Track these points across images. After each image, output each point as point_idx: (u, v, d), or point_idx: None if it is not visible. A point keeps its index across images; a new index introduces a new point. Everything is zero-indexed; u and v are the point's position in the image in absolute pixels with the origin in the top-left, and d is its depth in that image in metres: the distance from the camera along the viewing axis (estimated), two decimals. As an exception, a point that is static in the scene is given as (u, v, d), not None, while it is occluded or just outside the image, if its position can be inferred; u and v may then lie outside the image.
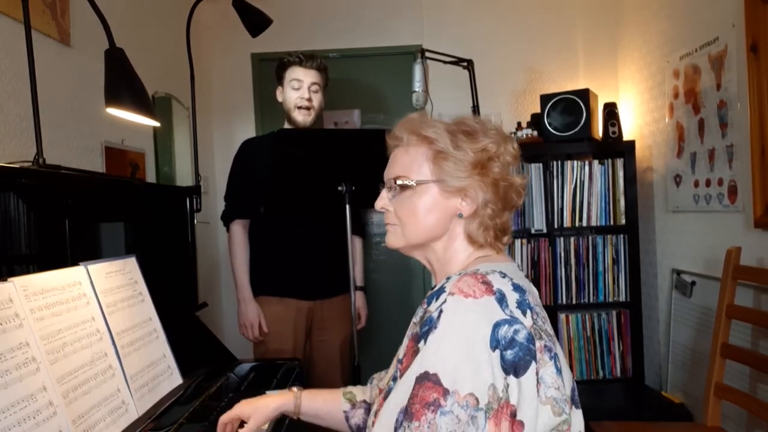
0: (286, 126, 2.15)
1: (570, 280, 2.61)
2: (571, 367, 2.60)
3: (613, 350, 2.61)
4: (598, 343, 2.62)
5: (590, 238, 2.62)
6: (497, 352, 0.80)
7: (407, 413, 0.80)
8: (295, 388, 1.17)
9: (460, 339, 0.80)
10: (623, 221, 2.58)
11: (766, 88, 1.82)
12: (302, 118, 2.08)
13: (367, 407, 1.16)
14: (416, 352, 0.85)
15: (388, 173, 1.01)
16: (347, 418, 1.15)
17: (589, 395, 2.45)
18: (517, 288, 0.87)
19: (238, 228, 2.14)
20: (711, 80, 2.15)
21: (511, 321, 0.82)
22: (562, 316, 2.61)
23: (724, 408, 1.86)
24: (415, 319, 0.93)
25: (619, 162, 2.59)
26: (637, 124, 2.84)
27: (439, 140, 0.94)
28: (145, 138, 2.36)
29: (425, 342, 0.83)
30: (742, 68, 1.93)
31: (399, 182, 0.97)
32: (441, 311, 0.83)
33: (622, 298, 2.59)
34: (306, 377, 2.12)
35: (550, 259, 2.63)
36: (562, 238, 2.62)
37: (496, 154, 0.95)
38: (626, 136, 2.75)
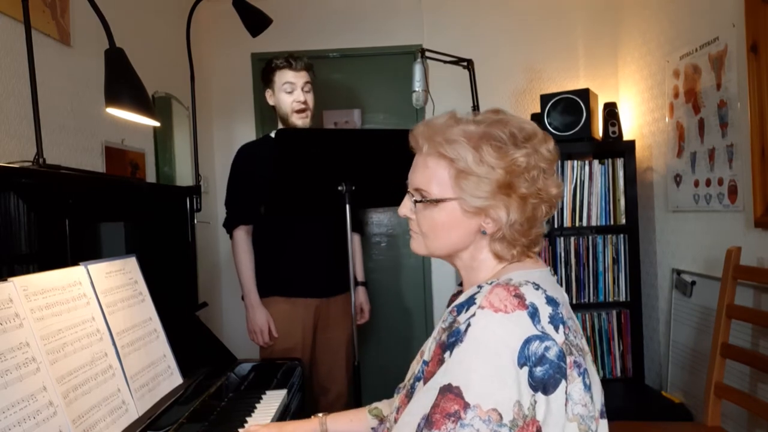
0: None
1: (570, 280, 2.61)
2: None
3: (613, 350, 2.61)
4: (598, 343, 2.61)
5: (590, 237, 2.62)
6: (525, 369, 0.78)
7: (428, 421, 0.80)
8: (320, 414, 1.17)
9: (486, 354, 0.78)
10: (623, 221, 2.58)
11: (766, 88, 1.82)
12: (301, 122, 2.10)
13: None
14: (441, 361, 0.83)
15: (411, 181, 0.96)
16: None
17: (589, 395, 2.45)
18: (550, 301, 0.83)
19: (242, 234, 2.13)
20: (711, 80, 2.15)
21: (543, 337, 0.79)
22: (562, 316, 2.61)
23: (724, 408, 1.85)
24: (443, 324, 0.89)
25: (619, 162, 2.59)
26: (637, 123, 2.84)
27: (459, 160, 0.87)
28: (145, 138, 2.36)
29: (450, 354, 0.82)
30: (742, 68, 1.93)
31: (417, 197, 0.93)
32: (469, 324, 0.81)
33: (622, 298, 2.59)
34: (308, 376, 2.12)
35: (550, 259, 2.62)
36: (562, 238, 2.62)
37: (526, 168, 0.87)
38: (626, 136, 2.75)
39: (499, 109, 0.94)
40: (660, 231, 2.62)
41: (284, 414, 1.47)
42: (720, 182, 2.11)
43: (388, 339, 3.10)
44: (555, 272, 2.61)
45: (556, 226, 2.61)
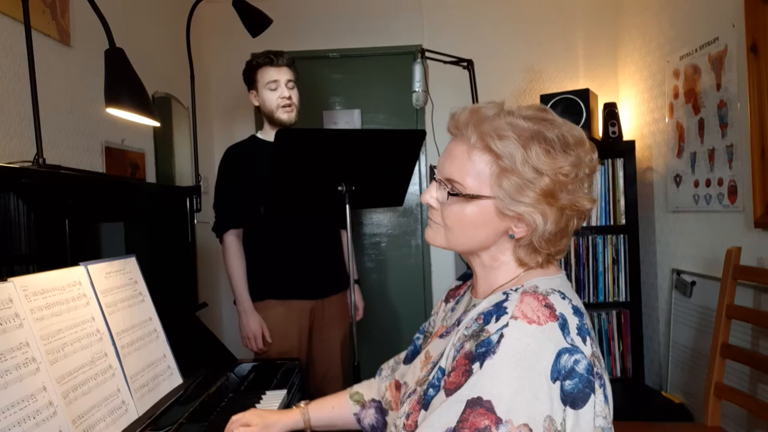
0: (267, 129, 2.12)
1: (570, 281, 2.61)
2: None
3: (613, 350, 2.61)
4: (598, 344, 2.61)
5: (590, 238, 2.62)
6: (557, 383, 0.76)
7: None
8: (302, 404, 1.16)
9: (519, 367, 0.75)
10: (623, 221, 2.58)
11: (765, 88, 1.82)
12: (287, 116, 2.06)
13: (378, 405, 1.14)
14: (468, 372, 0.78)
15: (443, 169, 0.89)
16: (359, 420, 1.14)
17: (589, 395, 2.45)
18: (576, 311, 0.82)
19: (233, 238, 2.09)
20: (711, 80, 2.15)
21: (572, 350, 0.78)
22: (562, 316, 2.61)
23: (724, 408, 1.85)
24: (467, 331, 0.83)
25: (619, 162, 2.59)
26: (637, 124, 2.84)
27: (506, 158, 0.82)
28: (145, 138, 2.36)
29: (481, 366, 0.77)
30: (742, 68, 1.93)
31: (449, 189, 0.86)
32: (502, 335, 0.77)
33: (622, 298, 2.59)
34: (306, 377, 2.12)
35: (550, 259, 2.62)
36: (562, 238, 2.61)
37: (571, 179, 0.83)
38: (626, 136, 2.75)
39: (546, 108, 0.88)
40: (660, 231, 2.62)
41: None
42: (720, 182, 2.11)
43: (388, 339, 3.11)
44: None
45: (556, 226, 2.61)
